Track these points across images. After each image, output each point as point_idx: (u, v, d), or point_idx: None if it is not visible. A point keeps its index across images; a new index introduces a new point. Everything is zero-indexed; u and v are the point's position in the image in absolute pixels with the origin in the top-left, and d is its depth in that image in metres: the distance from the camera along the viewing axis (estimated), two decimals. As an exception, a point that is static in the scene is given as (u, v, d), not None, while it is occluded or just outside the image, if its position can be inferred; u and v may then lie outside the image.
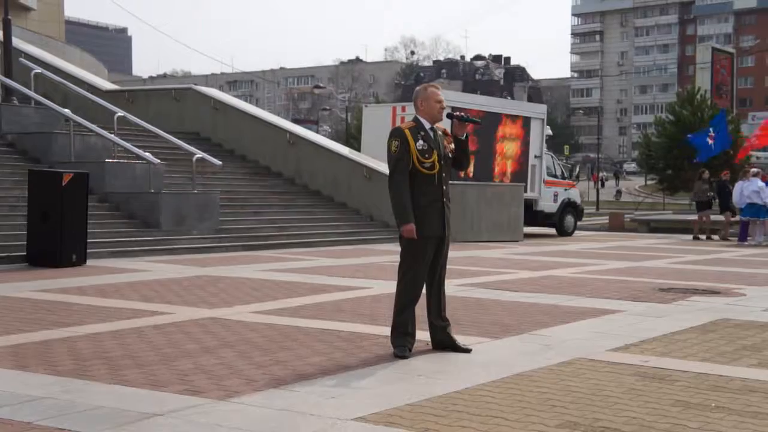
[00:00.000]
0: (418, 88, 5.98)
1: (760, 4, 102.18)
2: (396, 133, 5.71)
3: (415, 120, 5.78)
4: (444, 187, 5.74)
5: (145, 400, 4.45)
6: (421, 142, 5.66)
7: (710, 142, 22.05)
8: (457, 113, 5.96)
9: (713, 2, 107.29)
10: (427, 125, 5.76)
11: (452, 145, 5.85)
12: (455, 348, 5.80)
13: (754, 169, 20.06)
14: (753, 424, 4.16)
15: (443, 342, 5.85)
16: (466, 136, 5.90)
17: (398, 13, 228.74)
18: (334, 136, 55.63)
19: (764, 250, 17.21)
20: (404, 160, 5.63)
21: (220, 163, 16.19)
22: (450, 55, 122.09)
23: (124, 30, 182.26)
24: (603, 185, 62.17)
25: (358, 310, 7.69)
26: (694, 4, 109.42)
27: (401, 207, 5.63)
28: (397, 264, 5.85)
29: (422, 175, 5.65)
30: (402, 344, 5.69)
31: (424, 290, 5.83)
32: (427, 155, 5.65)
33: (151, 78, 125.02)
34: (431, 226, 5.68)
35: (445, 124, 5.96)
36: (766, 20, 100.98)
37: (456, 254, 14.41)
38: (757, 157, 35.78)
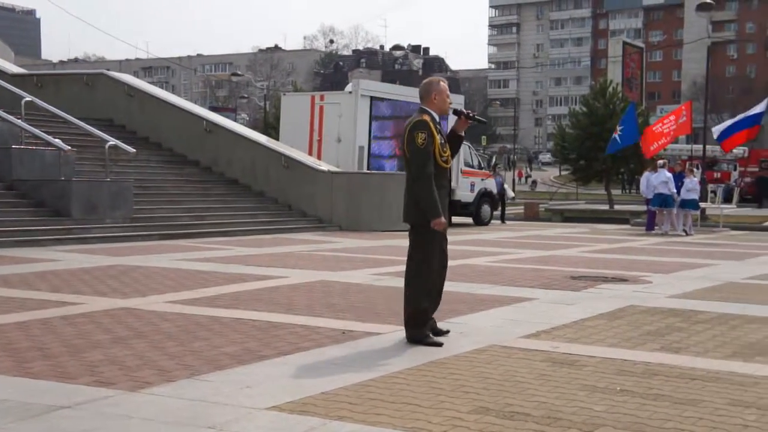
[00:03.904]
0: (430, 80, 6.04)
1: (668, 1, 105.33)
2: (422, 126, 5.70)
3: (427, 113, 5.82)
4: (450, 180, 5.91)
5: (52, 393, 4.34)
6: (439, 136, 5.77)
7: (615, 135, 22.68)
8: (466, 111, 6.08)
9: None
10: (437, 119, 5.85)
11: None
12: (436, 331, 5.96)
13: (661, 161, 20.73)
14: (654, 406, 4.32)
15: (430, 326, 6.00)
16: (463, 134, 6.08)
17: (317, 1, 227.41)
18: (253, 125, 55.03)
19: (670, 239, 17.84)
20: (430, 153, 5.67)
21: (134, 150, 15.87)
22: (369, 45, 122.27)
23: (32, 12, 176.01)
24: (527, 181, 63.59)
25: (274, 300, 7.65)
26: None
27: (432, 201, 5.66)
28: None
29: (438, 168, 5.74)
30: (427, 333, 5.79)
31: None
32: (444, 149, 5.78)
33: (62, 62, 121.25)
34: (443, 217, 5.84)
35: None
36: (673, 16, 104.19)
37: (372, 243, 14.47)
38: (665, 149, 36.93)
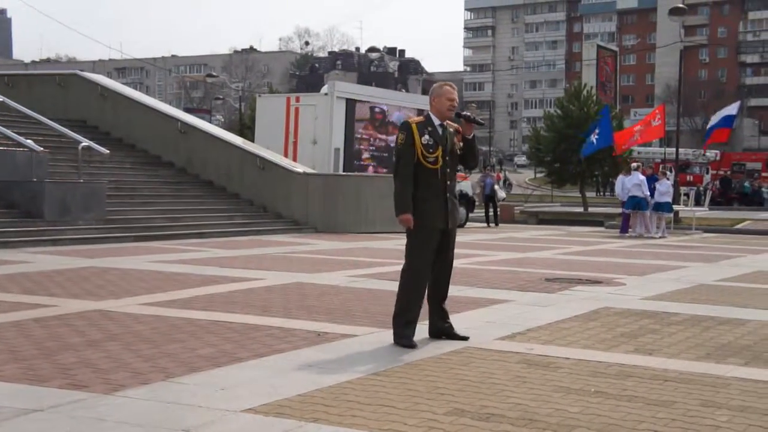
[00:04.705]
0: (435, 85, 6.18)
1: (641, 5, 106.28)
2: (404, 127, 5.94)
3: (426, 116, 6.00)
4: (448, 182, 5.94)
5: (23, 396, 4.29)
6: (426, 137, 5.85)
7: (592, 138, 22.92)
8: (464, 113, 6.14)
9: (598, 1, 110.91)
10: (437, 121, 5.94)
11: (461, 143, 6.04)
12: (452, 336, 5.98)
13: (635, 164, 20.91)
14: (628, 407, 4.36)
15: (442, 331, 6.01)
16: (473, 136, 6.12)
17: (293, 2, 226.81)
18: (228, 126, 54.77)
19: (644, 241, 17.99)
20: (409, 153, 5.81)
21: (108, 151, 15.74)
22: (345, 47, 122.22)
23: (2, 11, 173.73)
24: (505, 184, 63.91)
25: (250, 302, 7.62)
26: (580, 3, 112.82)
27: (400, 197, 5.83)
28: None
29: (425, 169, 5.84)
30: (409, 334, 5.79)
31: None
32: (431, 150, 5.84)
33: (34, 62, 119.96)
34: (434, 218, 5.86)
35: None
36: (646, 20, 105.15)
37: (348, 245, 14.46)
38: (638, 152, 37.28)
